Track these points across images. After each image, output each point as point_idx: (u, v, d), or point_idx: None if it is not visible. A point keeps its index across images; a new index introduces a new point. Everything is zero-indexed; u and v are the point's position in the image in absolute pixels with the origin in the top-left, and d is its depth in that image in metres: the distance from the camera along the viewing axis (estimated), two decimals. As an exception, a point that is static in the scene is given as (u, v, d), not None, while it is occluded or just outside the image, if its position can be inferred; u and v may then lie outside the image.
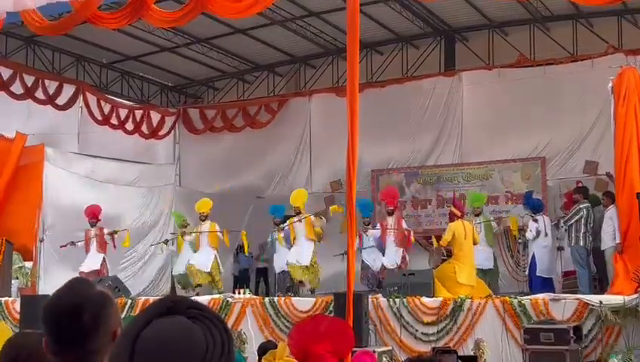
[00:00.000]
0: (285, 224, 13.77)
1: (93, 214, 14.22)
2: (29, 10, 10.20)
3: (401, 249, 13.17)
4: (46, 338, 1.74)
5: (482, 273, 12.43)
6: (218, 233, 13.93)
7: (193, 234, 14.23)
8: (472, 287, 11.33)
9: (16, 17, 10.73)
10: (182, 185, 18.66)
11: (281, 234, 13.71)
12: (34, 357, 2.72)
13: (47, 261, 14.94)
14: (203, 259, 13.84)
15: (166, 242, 15.13)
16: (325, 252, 14.99)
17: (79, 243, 14.20)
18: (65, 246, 14.19)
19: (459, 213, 12.26)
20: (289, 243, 13.68)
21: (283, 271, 13.85)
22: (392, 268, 12.85)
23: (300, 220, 13.40)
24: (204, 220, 14.23)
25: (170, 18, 11.03)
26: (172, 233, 15.51)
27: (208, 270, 13.78)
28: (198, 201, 14.66)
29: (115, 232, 14.22)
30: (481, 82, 15.78)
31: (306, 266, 13.15)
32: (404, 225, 13.44)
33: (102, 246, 14.05)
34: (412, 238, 13.44)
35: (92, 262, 13.92)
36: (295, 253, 13.23)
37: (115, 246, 14.23)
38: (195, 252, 14.09)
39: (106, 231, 14.21)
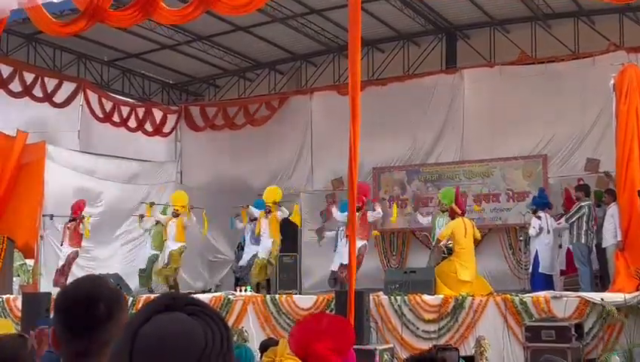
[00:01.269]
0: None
1: (79, 208, 14.10)
2: (37, 8, 10.21)
3: (363, 242, 12.95)
4: (54, 328, 1.76)
5: None
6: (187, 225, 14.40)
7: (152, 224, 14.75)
8: (473, 284, 11.35)
9: (19, 14, 10.75)
10: (183, 182, 18.66)
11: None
12: (20, 357, 2.74)
13: (49, 258, 14.95)
14: (168, 246, 14.21)
15: (141, 217, 15.14)
16: (325, 251, 15.02)
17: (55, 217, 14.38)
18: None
19: (459, 211, 12.26)
20: (254, 239, 14.23)
21: (246, 265, 14.40)
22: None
23: (266, 217, 13.85)
24: (177, 216, 14.36)
25: (179, 15, 11.00)
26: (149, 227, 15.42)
27: (169, 249, 14.09)
28: (175, 193, 14.84)
29: (83, 218, 14.10)
30: (483, 80, 15.77)
31: (267, 261, 13.54)
32: (370, 219, 13.17)
33: (74, 240, 13.84)
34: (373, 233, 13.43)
35: (63, 256, 13.87)
36: (259, 249, 13.75)
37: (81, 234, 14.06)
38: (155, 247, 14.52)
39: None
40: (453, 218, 12.31)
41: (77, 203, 14.22)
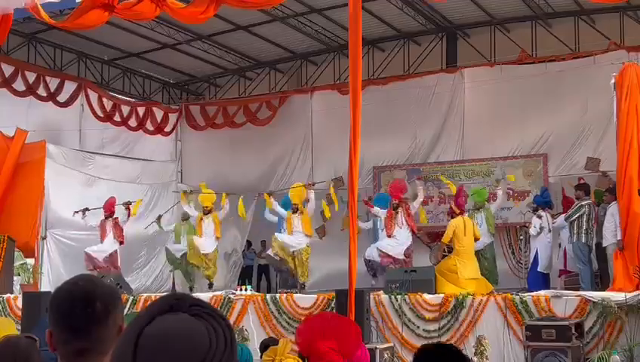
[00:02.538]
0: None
1: (111, 206, 14.42)
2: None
3: (409, 240, 13.24)
4: (50, 329, 1.75)
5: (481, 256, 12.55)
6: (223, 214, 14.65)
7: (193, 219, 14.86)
8: (474, 281, 11.37)
9: (18, 13, 10.74)
10: (183, 181, 18.65)
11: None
12: (32, 358, 2.76)
13: (49, 257, 14.96)
14: (206, 242, 14.41)
15: (159, 218, 15.21)
16: (325, 249, 15.02)
17: (92, 210, 14.39)
18: (78, 212, 14.40)
19: (457, 211, 12.28)
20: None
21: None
22: (399, 258, 12.95)
23: (298, 216, 13.82)
24: (207, 213, 14.46)
25: (195, 13, 10.96)
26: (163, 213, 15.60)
27: (210, 251, 14.33)
28: (202, 195, 14.87)
29: (130, 203, 14.55)
30: (483, 79, 15.75)
31: (293, 254, 13.45)
32: (412, 211, 13.57)
33: (119, 236, 14.28)
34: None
35: (106, 248, 14.15)
36: (288, 238, 13.60)
37: (128, 217, 14.52)
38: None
39: (120, 216, 14.43)
40: (451, 216, 12.35)
41: (110, 201, 14.44)
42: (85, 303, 1.73)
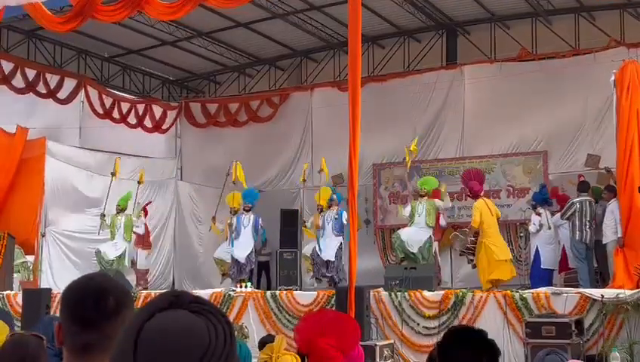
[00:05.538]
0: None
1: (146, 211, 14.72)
2: (34, 4, 10.19)
3: None
4: (60, 322, 1.76)
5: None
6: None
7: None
8: (510, 261, 11.82)
9: (18, 11, 10.74)
10: (183, 179, 18.65)
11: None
12: (41, 357, 2.78)
13: (49, 255, 14.95)
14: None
15: (103, 216, 14.50)
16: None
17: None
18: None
19: (477, 192, 12.52)
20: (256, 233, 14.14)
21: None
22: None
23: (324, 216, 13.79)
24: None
25: (169, 10, 11.00)
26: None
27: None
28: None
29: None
30: (483, 76, 15.73)
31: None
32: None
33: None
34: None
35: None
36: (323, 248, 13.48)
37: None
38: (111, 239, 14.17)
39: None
40: (474, 198, 12.56)
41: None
42: (98, 297, 1.75)
